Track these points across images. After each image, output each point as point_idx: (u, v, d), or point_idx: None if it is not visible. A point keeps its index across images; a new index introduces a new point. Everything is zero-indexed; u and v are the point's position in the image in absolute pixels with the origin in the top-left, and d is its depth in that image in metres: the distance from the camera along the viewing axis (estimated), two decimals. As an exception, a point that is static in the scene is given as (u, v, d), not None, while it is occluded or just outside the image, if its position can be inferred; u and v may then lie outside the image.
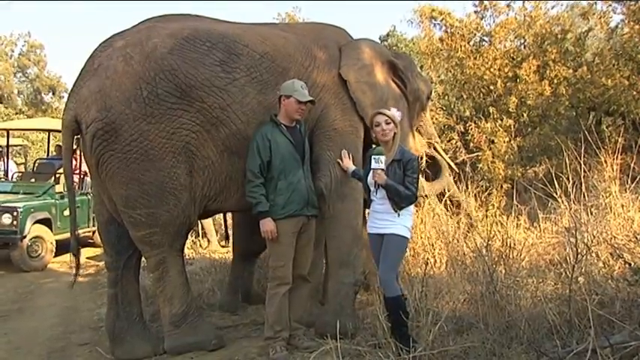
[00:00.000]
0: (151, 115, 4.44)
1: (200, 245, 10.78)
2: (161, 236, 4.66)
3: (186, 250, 6.34)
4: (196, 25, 4.87)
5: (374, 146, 4.89)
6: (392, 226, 4.31)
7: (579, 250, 4.32)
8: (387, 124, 4.40)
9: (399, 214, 4.31)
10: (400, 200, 4.30)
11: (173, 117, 4.49)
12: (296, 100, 4.57)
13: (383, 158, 4.31)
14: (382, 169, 4.30)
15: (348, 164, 4.98)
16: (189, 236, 5.82)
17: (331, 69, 5.24)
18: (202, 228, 10.98)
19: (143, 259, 5.02)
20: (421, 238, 6.54)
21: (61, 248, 9.98)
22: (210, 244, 10.78)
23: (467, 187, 7.86)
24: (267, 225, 4.53)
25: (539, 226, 6.92)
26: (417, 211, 6.43)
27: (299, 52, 5.10)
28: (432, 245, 6.47)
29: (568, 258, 4.95)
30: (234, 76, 4.67)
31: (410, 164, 4.36)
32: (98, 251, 10.38)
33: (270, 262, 4.71)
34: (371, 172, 4.38)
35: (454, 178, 7.50)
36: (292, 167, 4.61)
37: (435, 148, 6.90)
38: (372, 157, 4.35)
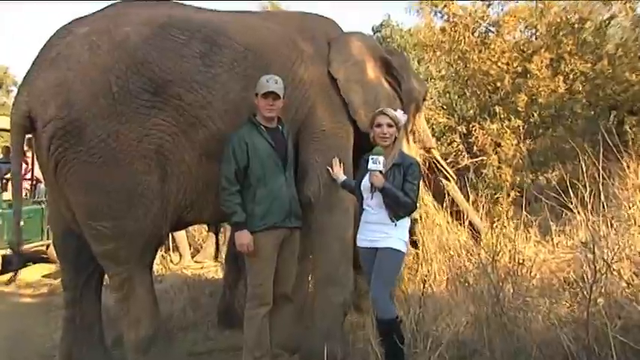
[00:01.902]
0: (121, 113, 4.38)
1: (171, 260, 10.73)
2: (128, 251, 4.61)
3: (155, 266, 6.31)
4: (171, 12, 4.85)
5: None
6: (387, 239, 4.36)
7: (598, 268, 4.31)
8: (390, 126, 4.44)
9: (395, 224, 4.35)
10: (398, 208, 4.34)
11: (146, 116, 4.44)
12: (261, 96, 4.58)
13: (382, 159, 4.33)
14: (380, 171, 4.33)
15: (339, 173, 5.00)
16: (158, 250, 5.80)
17: (319, 64, 5.27)
18: (174, 241, 10.95)
19: (106, 276, 5.00)
20: (421, 252, 6.56)
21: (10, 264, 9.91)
22: (183, 258, 10.74)
23: (470, 196, 7.90)
24: (242, 238, 4.53)
25: (552, 239, 6.94)
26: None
27: (284, 44, 5.12)
28: (432, 260, 6.50)
29: (585, 276, 4.94)
30: (216, 70, 4.66)
31: (411, 169, 4.40)
32: (53, 268, 10.31)
33: (249, 279, 4.70)
34: (367, 174, 4.41)
35: (455, 185, 7.51)
36: (273, 173, 4.62)
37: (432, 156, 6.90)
38: (370, 157, 4.37)
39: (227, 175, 4.54)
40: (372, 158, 4.35)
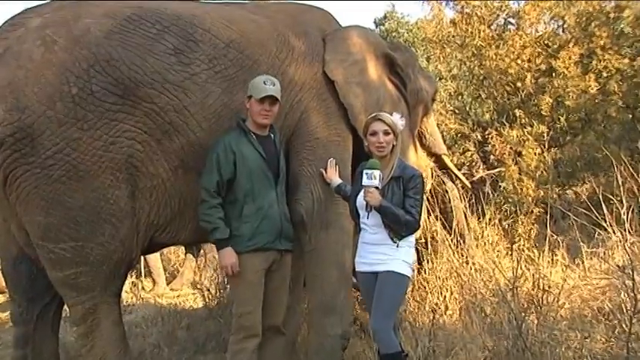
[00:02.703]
0: (83, 118, 4.33)
1: (143, 287, 10.72)
2: (92, 277, 4.55)
3: (124, 295, 6.26)
4: (141, 2, 4.84)
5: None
6: (388, 262, 4.34)
7: (639, 297, 4.31)
8: (386, 134, 4.42)
9: (397, 245, 4.33)
10: (399, 227, 4.32)
11: (112, 122, 4.40)
12: (256, 100, 4.57)
13: (377, 173, 4.31)
14: (376, 187, 4.31)
15: (333, 176, 4.99)
16: (128, 276, 5.76)
17: (313, 63, 5.28)
18: (146, 265, 10.92)
19: (65, 307, 4.95)
20: (430, 277, 6.55)
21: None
22: (157, 285, 10.71)
23: (487, 213, 7.87)
24: (227, 257, 4.52)
25: (583, 263, 6.91)
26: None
27: (273, 40, 5.12)
28: (442, 287, 6.48)
29: (623, 306, 4.93)
30: (193, 69, 4.65)
31: (412, 182, 4.38)
32: (1, 299, 10.24)
33: (234, 308, 4.69)
34: (361, 191, 4.39)
35: (469, 200, 7.49)
36: (263, 188, 4.62)
37: (443, 164, 6.88)
38: (364, 171, 4.35)
39: (207, 186, 4.52)
40: (367, 173, 4.31)
